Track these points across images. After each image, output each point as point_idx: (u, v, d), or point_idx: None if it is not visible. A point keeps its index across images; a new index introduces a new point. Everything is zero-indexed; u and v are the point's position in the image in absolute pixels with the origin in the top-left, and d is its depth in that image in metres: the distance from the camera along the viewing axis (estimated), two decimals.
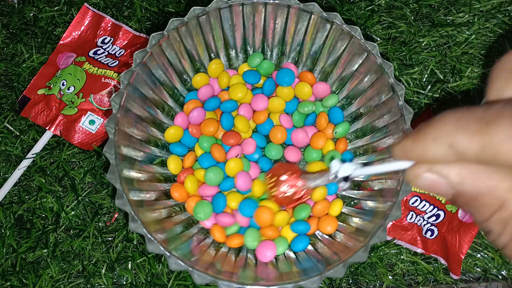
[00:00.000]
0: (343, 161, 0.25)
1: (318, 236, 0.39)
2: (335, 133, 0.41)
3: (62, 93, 0.45)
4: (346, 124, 0.41)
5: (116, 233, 0.43)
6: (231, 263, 0.36)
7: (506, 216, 0.15)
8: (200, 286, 0.41)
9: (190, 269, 0.32)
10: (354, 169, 0.24)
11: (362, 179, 0.40)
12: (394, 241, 0.42)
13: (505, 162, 0.13)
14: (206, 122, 0.41)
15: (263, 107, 0.42)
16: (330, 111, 0.42)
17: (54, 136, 0.45)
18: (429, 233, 0.42)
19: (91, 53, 0.46)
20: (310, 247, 0.39)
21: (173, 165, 0.40)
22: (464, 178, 0.15)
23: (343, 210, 0.40)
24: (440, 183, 0.16)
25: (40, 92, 0.46)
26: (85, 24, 0.48)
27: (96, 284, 0.42)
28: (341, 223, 0.39)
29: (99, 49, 0.47)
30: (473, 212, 0.16)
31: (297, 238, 0.38)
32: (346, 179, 0.24)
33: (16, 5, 0.49)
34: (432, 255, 0.42)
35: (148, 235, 0.32)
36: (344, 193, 0.41)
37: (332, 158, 0.39)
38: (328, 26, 0.38)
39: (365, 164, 0.23)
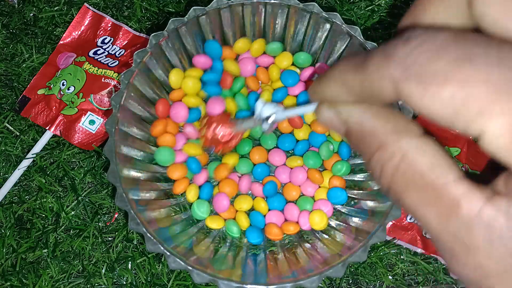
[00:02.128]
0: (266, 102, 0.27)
1: (318, 236, 0.39)
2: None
3: (62, 93, 0.45)
4: None
5: (116, 233, 0.43)
6: (231, 262, 0.36)
7: (384, 158, 0.15)
8: (200, 286, 0.41)
9: (190, 268, 0.32)
10: (276, 110, 0.26)
11: (362, 179, 0.40)
12: (394, 241, 0.42)
13: (379, 94, 0.14)
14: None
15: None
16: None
17: (54, 136, 0.45)
18: None
19: (91, 53, 0.47)
20: (309, 246, 0.39)
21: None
22: (352, 115, 0.16)
23: (343, 210, 0.40)
24: (334, 119, 0.17)
25: (40, 92, 0.46)
26: (85, 24, 0.48)
27: (96, 284, 0.42)
28: (341, 223, 0.39)
29: (99, 49, 0.47)
30: (360, 151, 0.16)
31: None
32: (267, 119, 0.26)
33: (16, 5, 0.49)
34: (432, 255, 0.42)
35: (148, 235, 0.32)
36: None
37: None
38: (328, 26, 0.38)
39: (285, 108, 0.25)
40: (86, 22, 0.48)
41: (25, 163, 0.44)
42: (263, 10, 0.38)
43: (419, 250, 0.42)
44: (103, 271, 0.42)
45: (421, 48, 0.13)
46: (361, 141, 0.16)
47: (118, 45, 0.47)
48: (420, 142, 0.14)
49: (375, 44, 0.36)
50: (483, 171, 0.16)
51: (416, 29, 0.14)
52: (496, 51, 0.12)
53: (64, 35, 0.48)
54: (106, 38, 0.47)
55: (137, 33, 0.48)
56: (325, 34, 0.39)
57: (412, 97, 0.13)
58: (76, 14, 0.48)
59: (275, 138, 0.42)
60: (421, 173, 0.14)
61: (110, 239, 0.43)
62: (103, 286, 0.42)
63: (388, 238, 0.42)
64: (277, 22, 0.40)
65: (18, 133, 0.45)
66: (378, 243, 0.41)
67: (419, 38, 0.13)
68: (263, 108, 0.26)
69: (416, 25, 0.16)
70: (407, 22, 0.16)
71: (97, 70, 0.45)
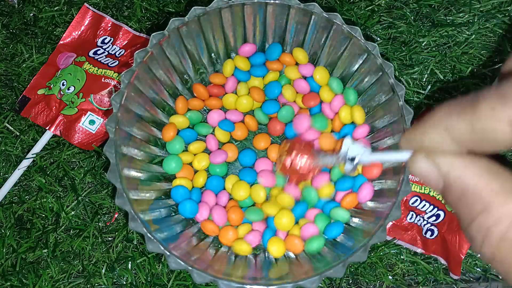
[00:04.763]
0: (354, 141, 0.25)
1: None
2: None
3: (62, 93, 0.45)
4: (353, 92, 0.40)
5: (116, 233, 0.43)
6: (231, 262, 0.36)
7: (488, 223, 0.13)
8: (200, 286, 0.41)
9: (190, 268, 0.32)
10: (363, 152, 0.24)
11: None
12: (394, 241, 0.42)
13: (493, 139, 0.13)
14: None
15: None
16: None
17: (54, 136, 0.45)
18: (429, 233, 0.42)
19: (91, 53, 0.46)
20: None
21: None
22: (453, 169, 0.15)
23: None
24: (432, 171, 0.15)
25: (40, 92, 0.46)
26: (85, 24, 0.48)
27: (96, 284, 0.42)
28: None
29: (99, 49, 0.47)
30: (458, 212, 0.15)
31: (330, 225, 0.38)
32: (352, 160, 0.24)
33: (16, 5, 0.49)
34: (432, 255, 0.42)
35: (148, 234, 0.32)
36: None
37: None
38: (328, 26, 0.38)
39: (373, 151, 0.24)
40: (86, 22, 0.48)
41: (25, 163, 0.44)
42: (264, 10, 0.38)
43: (419, 250, 0.42)
44: (103, 271, 0.42)
45: None
46: (462, 200, 0.14)
47: (118, 45, 0.47)
48: None
49: (375, 44, 0.36)
50: None
51: None
52: None
53: (64, 35, 0.48)
54: (106, 38, 0.47)
55: (137, 33, 0.48)
56: (325, 34, 0.39)
57: None
58: (76, 14, 0.48)
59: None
60: None
61: (110, 239, 0.43)
62: (103, 286, 0.42)
63: (388, 238, 0.42)
64: (277, 22, 0.40)
65: (18, 133, 0.45)
66: (378, 243, 0.41)
67: None
68: (350, 148, 0.25)
69: None
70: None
71: (97, 70, 0.45)
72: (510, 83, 0.12)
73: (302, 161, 0.32)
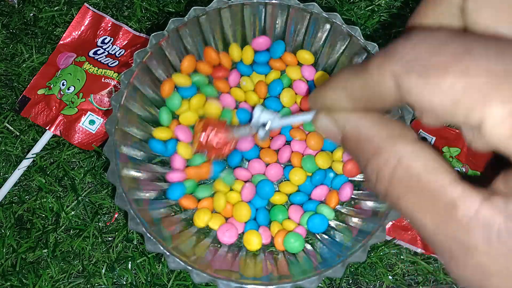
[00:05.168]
0: (264, 109, 0.26)
1: (318, 236, 0.39)
2: None
3: (62, 93, 0.45)
4: None
5: (116, 233, 0.43)
6: (230, 262, 0.36)
7: (379, 163, 0.15)
8: (200, 286, 0.41)
9: (189, 268, 0.32)
10: (273, 117, 0.25)
11: (362, 179, 0.40)
12: (394, 241, 0.42)
13: (381, 93, 0.14)
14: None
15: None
16: None
17: (54, 136, 0.45)
18: None
19: (91, 53, 0.47)
20: (309, 246, 0.39)
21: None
22: (349, 122, 0.16)
23: (342, 210, 0.40)
24: (331, 126, 0.17)
25: (40, 92, 0.46)
26: (85, 24, 0.48)
27: (96, 284, 0.42)
28: (341, 223, 0.39)
29: (99, 49, 0.47)
30: (355, 158, 0.16)
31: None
32: (264, 126, 0.26)
33: (16, 5, 0.49)
34: (432, 255, 0.42)
35: (148, 234, 0.32)
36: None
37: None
38: (328, 26, 0.38)
39: (283, 116, 0.25)
40: (86, 22, 0.48)
41: (25, 163, 0.44)
42: (263, 10, 0.38)
43: (419, 250, 0.42)
44: (103, 271, 0.42)
45: (421, 44, 0.13)
46: (357, 147, 0.16)
47: (118, 45, 0.47)
48: (415, 146, 0.14)
49: (375, 44, 0.36)
50: (483, 171, 0.16)
51: (415, 29, 0.14)
52: (495, 44, 0.13)
53: (64, 35, 0.48)
54: (106, 38, 0.47)
55: (137, 33, 0.48)
56: (325, 34, 0.39)
57: (413, 91, 0.13)
58: (76, 14, 0.48)
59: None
60: (417, 176, 0.14)
61: (110, 239, 0.43)
62: (103, 286, 0.42)
63: (388, 238, 0.42)
64: (277, 22, 0.40)
65: (18, 133, 0.45)
66: (378, 243, 0.41)
67: (420, 35, 0.14)
68: (261, 115, 0.26)
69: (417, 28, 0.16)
70: (409, 26, 0.17)
71: (97, 70, 0.45)
72: (394, 42, 0.14)
73: (217, 136, 0.34)
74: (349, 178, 0.40)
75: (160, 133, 0.39)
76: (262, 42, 0.41)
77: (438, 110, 0.13)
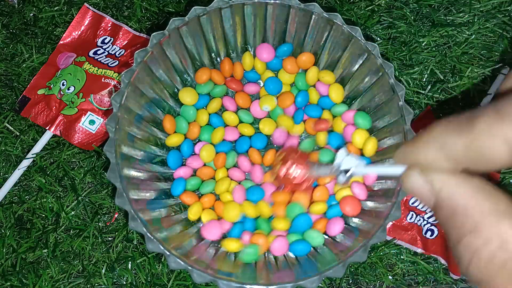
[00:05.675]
0: (348, 154, 0.25)
1: None
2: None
3: (62, 93, 0.45)
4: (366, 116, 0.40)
5: (116, 233, 0.43)
6: (231, 262, 0.36)
7: (477, 243, 0.13)
8: (200, 286, 0.41)
9: (190, 268, 0.32)
10: (357, 164, 0.23)
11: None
12: (394, 241, 0.42)
13: (489, 157, 0.13)
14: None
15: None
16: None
17: (54, 136, 0.45)
18: (429, 233, 0.42)
19: (91, 53, 0.46)
20: None
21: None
22: (446, 187, 0.14)
23: None
24: (424, 188, 0.15)
25: (40, 92, 0.46)
26: (85, 24, 0.48)
27: (96, 284, 0.42)
28: None
29: (99, 49, 0.47)
30: (447, 230, 0.14)
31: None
32: (346, 172, 0.24)
33: (16, 5, 0.49)
34: (432, 255, 0.42)
35: (148, 234, 0.32)
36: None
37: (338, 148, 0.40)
38: (329, 26, 0.38)
39: (367, 163, 0.23)
40: (86, 22, 0.48)
41: (25, 163, 0.44)
42: (264, 10, 0.38)
43: (419, 250, 0.42)
44: (103, 271, 0.42)
45: None
46: (452, 219, 0.14)
47: (118, 45, 0.47)
48: None
49: (375, 44, 0.36)
50: None
51: None
52: None
53: (64, 35, 0.48)
54: (106, 38, 0.47)
55: (137, 33, 0.48)
56: (326, 34, 0.39)
57: None
58: (76, 14, 0.48)
59: None
60: None
61: (110, 239, 0.43)
62: (103, 286, 0.42)
63: (388, 238, 0.42)
64: (277, 22, 0.40)
65: (18, 133, 0.45)
66: (378, 243, 0.41)
67: None
68: (344, 160, 0.24)
69: None
70: (509, 85, 0.15)
71: (97, 70, 0.45)
72: (506, 101, 0.12)
73: (296, 171, 0.32)
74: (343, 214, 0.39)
75: (173, 139, 0.41)
76: (266, 58, 0.42)
77: None
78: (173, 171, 0.40)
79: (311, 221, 0.38)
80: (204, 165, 0.41)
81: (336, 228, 0.37)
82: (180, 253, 0.33)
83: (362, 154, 0.39)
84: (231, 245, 0.37)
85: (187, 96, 0.41)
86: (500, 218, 0.13)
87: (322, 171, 0.30)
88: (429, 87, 0.46)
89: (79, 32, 0.48)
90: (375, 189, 0.38)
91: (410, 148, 0.15)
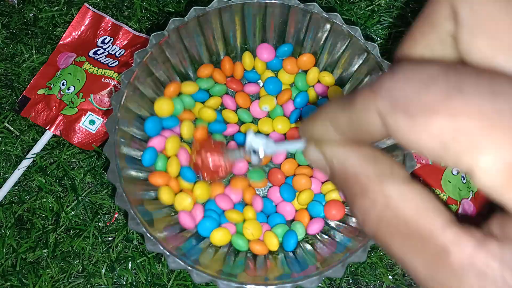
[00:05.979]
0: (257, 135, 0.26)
1: (318, 236, 0.39)
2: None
3: (62, 93, 0.45)
4: None
5: (116, 233, 0.43)
6: (231, 262, 0.36)
7: (365, 205, 0.14)
8: (200, 286, 0.41)
9: (190, 268, 0.32)
10: (265, 142, 0.25)
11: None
12: None
13: (367, 129, 0.14)
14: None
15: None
16: None
17: (54, 136, 0.45)
18: None
19: (91, 53, 0.47)
20: (309, 246, 0.39)
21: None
22: (336, 157, 0.16)
23: None
24: (320, 159, 0.17)
25: (40, 92, 0.46)
26: (85, 24, 0.48)
27: (96, 284, 0.42)
28: (341, 223, 0.39)
29: (99, 49, 0.47)
30: (344, 195, 0.16)
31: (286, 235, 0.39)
32: (256, 152, 0.25)
33: (16, 5, 0.49)
34: None
35: (148, 234, 0.32)
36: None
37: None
38: (328, 26, 0.38)
39: (276, 142, 0.25)
40: (86, 22, 0.48)
41: (25, 163, 0.44)
42: (264, 10, 0.38)
43: None
44: (103, 271, 0.42)
45: (408, 80, 0.12)
46: (344, 184, 0.15)
47: (118, 45, 0.47)
48: (405, 186, 0.14)
49: (375, 44, 0.36)
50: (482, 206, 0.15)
51: (403, 62, 0.14)
52: (488, 82, 0.12)
53: (64, 35, 0.48)
54: (106, 38, 0.47)
55: (137, 33, 0.48)
56: (325, 34, 0.39)
57: (399, 131, 0.12)
58: (76, 14, 0.48)
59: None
60: (406, 220, 0.13)
61: (110, 239, 0.43)
62: (103, 286, 0.42)
63: None
64: (277, 22, 0.40)
65: (18, 133, 0.45)
66: None
67: (407, 71, 0.13)
68: (253, 140, 0.25)
69: (406, 59, 0.15)
70: (399, 56, 0.16)
71: (97, 70, 0.45)
72: (380, 77, 0.13)
73: (212, 158, 0.34)
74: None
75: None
76: (266, 58, 0.42)
77: (426, 152, 0.12)
78: None
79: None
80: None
81: (315, 227, 0.39)
82: (180, 253, 0.33)
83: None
84: (233, 216, 0.38)
85: (188, 85, 0.41)
86: (384, 180, 0.14)
87: (235, 155, 0.32)
88: None
89: (79, 32, 0.48)
90: None
91: (307, 124, 0.17)
